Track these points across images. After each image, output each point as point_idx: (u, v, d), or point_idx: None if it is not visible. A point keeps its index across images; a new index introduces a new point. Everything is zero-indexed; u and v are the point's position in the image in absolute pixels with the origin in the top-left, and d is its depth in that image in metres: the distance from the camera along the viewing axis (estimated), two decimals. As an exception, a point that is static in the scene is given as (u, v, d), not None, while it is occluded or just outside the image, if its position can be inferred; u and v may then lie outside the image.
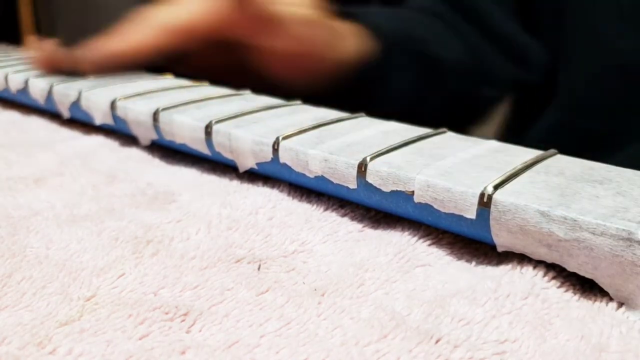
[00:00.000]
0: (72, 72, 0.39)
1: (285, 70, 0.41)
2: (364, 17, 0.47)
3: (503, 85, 0.56)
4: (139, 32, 0.38)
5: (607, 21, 0.50)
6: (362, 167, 0.24)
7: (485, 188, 0.20)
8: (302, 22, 0.40)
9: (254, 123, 0.29)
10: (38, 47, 0.42)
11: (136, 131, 0.34)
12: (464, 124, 0.54)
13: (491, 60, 0.53)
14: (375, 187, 0.23)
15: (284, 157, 0.26)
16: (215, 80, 0.38)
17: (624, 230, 0.18)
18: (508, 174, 0.21)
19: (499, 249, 0.21)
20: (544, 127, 0.54)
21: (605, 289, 0.19)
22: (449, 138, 0.27)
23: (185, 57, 0.41)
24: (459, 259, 0.22)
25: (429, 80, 0.49)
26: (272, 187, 0.28)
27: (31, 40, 0.44)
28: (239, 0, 0.38)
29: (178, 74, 0.41)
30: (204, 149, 0.30)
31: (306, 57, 0.41)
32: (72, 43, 0.41)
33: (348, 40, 0.44)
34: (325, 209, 0.26)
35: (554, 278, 0.20)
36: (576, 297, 0.19)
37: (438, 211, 0.22)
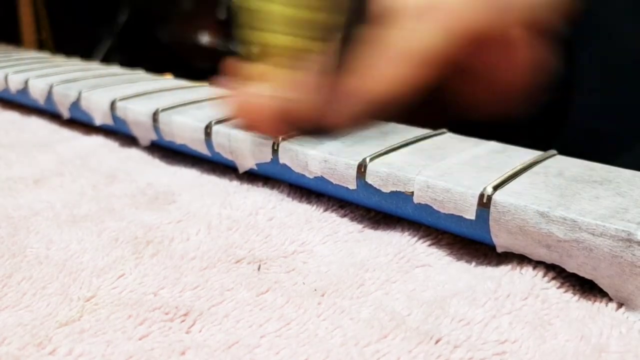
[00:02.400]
0: (311, 128, 0.27)
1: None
2: None
3: None
4: (392, 65, 0.26)
5: (621, 19, 0.48)
6: (361, 168, 0.24)
7: (484, 189, 0.20)
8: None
9: (253, 123, 0.29)
10: (243, 94, 0.28)
11: (136, 132, 0.34)
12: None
13: None
14: (375, 188, 0.23)
15: (283, 158, 0.26)
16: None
17: (623, 231, 0.18)
18: (507, 174, 0.21)
19: (499, 250, 0.21)
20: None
21: (605, 289, 0.19)
22: (449, 138, 0.27)
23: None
24: (459, 259, 0.22)
25: None
26: (272, 187, 0.28)
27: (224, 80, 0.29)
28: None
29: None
30: (203, 150, 0.30)
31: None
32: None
33: None
34: (325, 210, 0.26)
35: (553, 278, 0.20)
36: (576, 297, 0.19)
37: (437, 212, 0.22)
